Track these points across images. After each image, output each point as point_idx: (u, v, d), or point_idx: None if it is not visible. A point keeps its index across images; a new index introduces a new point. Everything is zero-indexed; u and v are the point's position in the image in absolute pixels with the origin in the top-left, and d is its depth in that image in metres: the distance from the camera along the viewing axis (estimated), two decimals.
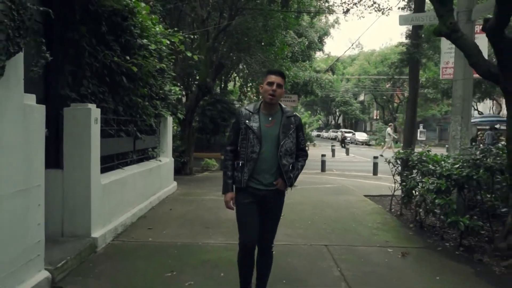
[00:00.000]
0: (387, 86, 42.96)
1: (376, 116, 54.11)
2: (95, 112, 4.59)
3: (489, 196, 4.90)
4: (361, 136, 43.75)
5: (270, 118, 3.06)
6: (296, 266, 4.16)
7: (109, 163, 5.44)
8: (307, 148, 3.23)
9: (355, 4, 11.89)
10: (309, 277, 3.88)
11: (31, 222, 3.28)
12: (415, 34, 9.78)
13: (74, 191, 4.44)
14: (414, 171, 6.27)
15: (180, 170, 11.42)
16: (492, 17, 3.83)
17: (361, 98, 55.18)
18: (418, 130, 38.32)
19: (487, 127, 29.86)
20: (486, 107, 36.64)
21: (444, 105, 37.38)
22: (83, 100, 4.75)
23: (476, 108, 33.90)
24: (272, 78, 3.03)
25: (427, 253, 4.80)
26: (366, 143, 40.63)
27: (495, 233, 4.82)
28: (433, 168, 5.30)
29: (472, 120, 28.17)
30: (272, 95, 2.99)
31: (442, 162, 5.35)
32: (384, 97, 45.44)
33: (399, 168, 6.96)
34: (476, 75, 5.45)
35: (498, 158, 4.74)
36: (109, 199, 5.02)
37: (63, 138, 4.43)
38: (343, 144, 32.32)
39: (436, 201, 4.81)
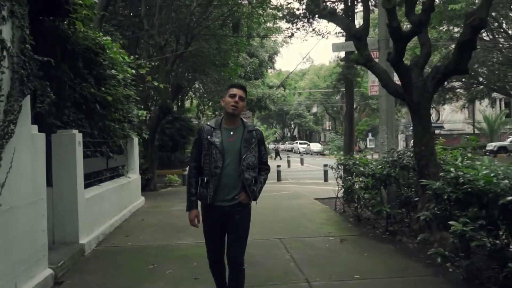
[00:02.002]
0: (337, 98, 45.29)
1: (329, 126, 56.51)
2: (78, 136, 5.38)
3: (406, 189, 6.12)
4: (315, 146, 45.78)
5: (231, 133, 3.07)
6: (255, 254, 5.10)
7: (87, 180, 6.18)
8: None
9: (298, 29, 13.26)
10: (266, 261, 4.84)
11: (38, 228, 4.05)
12: (347, 58, 11.19)
13: (63, 205, 5.18)
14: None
15: (145, 186, 12.07)
16: (392, 51, 5.06)
17: (314, 110, 57.52)
18: (368, 139, 40.70)
19: None
20: None
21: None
22: (66, 127, 5.52)
23: None
24: (234, 91, 3.06)
25: (360, 238, 5.92)
26: (320, 153, 42.56)
27: (411, 219, 6.03)
28: (362, 169, 6.48)
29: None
30: (234, 106, 3.02)
31: (370, 164, 6.54)
32: (335, 109, 47.74)
33: (341, 172, 8.13)
34: None
35: (410, 159, 5.97)
36: (92, 211, 5.78)
37: (52, 159, 5.18)
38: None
39: (365, 195, 5.96)
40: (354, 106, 38.33)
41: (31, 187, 3.90)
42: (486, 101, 30.91)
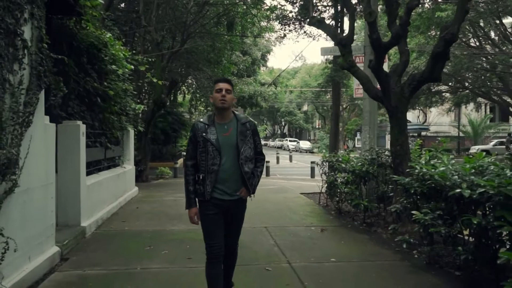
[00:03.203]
0: (327, 97, 45.95)
1: (319, 125, 57.20)
2: (82, 127, 5.81)
3: (383, 185, 6.66)
4: (305, 144, 46.42)
5: (225, 127, 3.09)
6: (242, 240, 5.45)
7: (88, 168, 6.61)
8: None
9: (290, 31, 13.76)
10: (253, 245, 5.33)
11: (48, 209, 4.49)
12: (335, 61, 11.72)
13: (66, 190, 5.61)
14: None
15: (137, 177, 12.46)
16: (373, 59, 5.58)
17: (305, 108, 58.19)
18: (356, 138, 41.42)
19: (415, 134, 33.24)
20: (415, 116, 40.46)
21: (379, 115, 40.88)
22: (70, 118, 5.95)
23: None
24: (220, 85, 3.07)
25: (339, 229, 6.45)
26: (309, 151, 43.17)
27: (386, 212, 6.58)
28: (344, 166, 7.00)
29: None
30: (223, 100, 3.03)
31: (351, 161, 7.06)
32: (325, 108, 48.38)
33: (325, 168, 8.65)
34: None
35: (388, 157, 6.51)
36: (92, 197, 6.21)
37: (57, 148, 5.60)
38: None
39: (345, 190, 6.49)
40: (344, 106, 39.25)
41: (43, 172, 4.34)
42: (471, 105, 31.78)
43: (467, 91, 26.38)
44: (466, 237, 3.94)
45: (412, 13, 16.90)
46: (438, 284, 3.98)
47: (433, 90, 25.52)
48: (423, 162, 4.57)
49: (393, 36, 5.33)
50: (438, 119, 39.38)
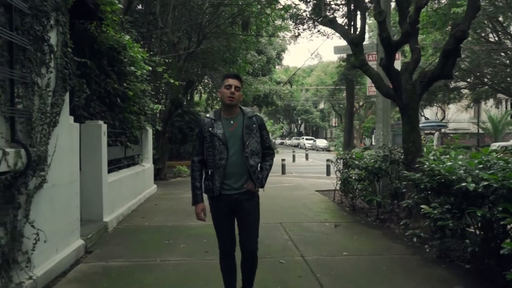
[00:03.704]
0: (343, 95, 45.73)
1: (335, 123, 56.96)
2: (104, 127, 6.07)
3: (396, 181, 6.74)
4: (321, 142, 46.40)
5: (232, 122, 3.08)
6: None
7: (109, 166, 6.88)
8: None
9: (304, 29, 13.89)
10: (267, 240, 5.48)
11: (73, 204, 4.76)
12: (348, 60, 11.79)
13: (89, 187, 5.89)
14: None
15: (156, 176, 12.78)
16: (383, 57, 5.68)
17: (321, 106, 58.00)
18: (373, 136, 41.18)
19: (434, 131, 32.89)
20: (433, 113, 39.97)
21: (396, 113, 40.53)
22: (92, 118, 6.22)
23: (423, 114, 37.10)
24: (230, 81, 3.04)
25: (353, 225, 6.57)
26: (326, 149, 43.13)
27: (400, 208, 6.66)
28: (357, 163, 7.11)
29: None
30: (231, 97, 3.02)
31: (364, 158, 7.17)
32: (341, 106, 48.17)
33: (340, 166, 8.77)
34: None
35: (400, 154, 6.59)
36: (113, 194, 6.48)
37: (80, 146, 5.87)
38: None
39: (358, 186, 6.60)
40: (361, 104, 39.02)
41: (69, 169, 4.60)
42: (491, 102, 31.24)
43: (486, 87, 25.98)
44: (473, 230, 4.03)
45: (429, 9, 16.83)
46: (447, 277, 4.09)
47: (451, 86, 25.22)
48: (432, 158, 4.65)
49: (403, 34, 5.42)
50: (457, 115, 38.79)
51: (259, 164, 3.14)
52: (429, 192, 4.58)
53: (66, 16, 4.40)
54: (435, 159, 4.51)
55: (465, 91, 27.68)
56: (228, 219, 3.11)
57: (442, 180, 4.28)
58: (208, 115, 3.18)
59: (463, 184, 3.48)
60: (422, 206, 4.22)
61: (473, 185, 3.38)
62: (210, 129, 3.04)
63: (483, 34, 21.22)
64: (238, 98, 3.07)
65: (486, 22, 19.66)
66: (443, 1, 18.01)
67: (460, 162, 4.01)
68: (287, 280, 4.03)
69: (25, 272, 3.53)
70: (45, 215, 3.91)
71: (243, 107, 3.21)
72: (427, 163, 4.43)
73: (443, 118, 38.41)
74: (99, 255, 4.83)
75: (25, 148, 3.36)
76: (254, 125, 3.10)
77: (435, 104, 32.15)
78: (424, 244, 5.12)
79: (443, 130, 34.44)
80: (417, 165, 4.81)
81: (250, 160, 3.04)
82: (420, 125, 23.97)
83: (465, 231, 3.96)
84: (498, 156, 3.84)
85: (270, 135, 3.48)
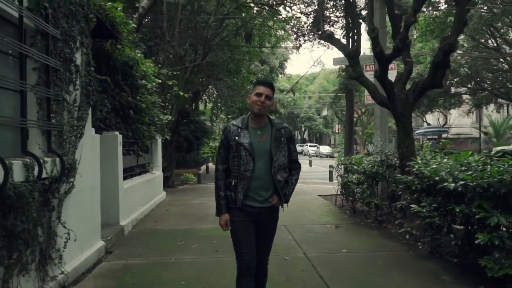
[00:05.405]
0: (344, 103, 46.19)
1: (338, 130, 57.38)
2: (119, 137, 6.56)
3: (393, 185, 7.17)
4: (325, 149, 46.86)
5: (259, 132, 2.94)
6: None
7: (124, 174, 7.35)
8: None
9: (305, 40, 14.44)
10: None
11: (95, 209, 5.23)
12: (347, 70, 12.29)
13: (107, 193, 6.33)
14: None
15: (164, 183, 13.26)
16: (377, 69, 6.15)
17: (324, 113, 58.48)
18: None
19: (435, 137, 33.26)
20: (435, 118, 40.33)
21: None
22: (108, 129, 6.70)
23: (424, 120, 37.50)
24: (261, 89, 2.89)
25: (353, 226, 6.99)
26: (330, 156, 43.52)
27: (396, 209, 7.08)
28: (356, 168, 7.55)
29: (419, 131, 31.16)
30: (261, 106, 2.87)
31: (363, 163, 7.60)
32: (344, 112, 48.56)
33: (341, 171, 9.20)
34: None
35: (396, 159, 7.02)
36: (128, 200, 6.95)
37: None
38: None
39: (357, 189, 7.03)
40: (363, 110, 39.46)
41: (91, 176, 5.07)
42: (492, 106, 31.59)
43: (486, 92, 26.37)
44: (460, 227, 4.46)
45: (427, 18, 17.30)
46: (437, 269, 4.50)
47: (452, 92, 25.65)
48: (419, 161, 5.09)
49: (394, 49, 5.89)
50: (459, 121, 39.14)
51: (285, 180, 2.99)
52: (421, 193, 5.00)
53: (89, 38, 4.90)
54: (425, 163, 4.94)
55: (466, 96, 28.10)
56: (250, 232, 2.94)
57: (431, 182, 4.71)
58: (234, 122, 3.01)
59: (445, 184, 3.92)
60: (412, 205, 4.65)
61: (453, 184, 3.81)
62: (237, 137, 2.88)
63: (482, 40, 21.68)
64: (267, 108, 2.92)
65: (484, 28, 20.13)
66: (442, 9, 18.51)
67: (444, 165, 4.43)
68: (290, 273, 4.46)
69: (58, 267, 3.99)
70: (72, 217, 4.37)
71: (272, 118, 3.06)
72: (416, 166, 4.87)
73: (445, 124, 38.75)
74: (119, 255, 5.28)
75: (60, 157, 3.83)
76: (282, 138, 2.97)
77: (437, 110, 32.58)
78: (417, 242, 5.54)
79: (444, 135, 34.80)
80: (407, 169, 5.24)
81: (278, 175, 2.91)
82: (421, 130, 24.42)
83: (452, 228, 4.38)
84: (477, 158, 4.27)
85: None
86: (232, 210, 2.92)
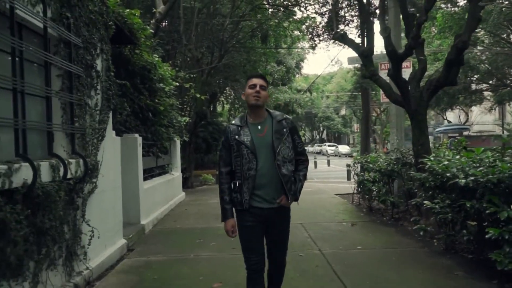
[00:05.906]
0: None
1: (357, 129, 56.94)
2: (139, 139, 6.79)
3: (409, 182, 7.19)
4: (343, 148, 46.66)
5: (259, 127, 2.84)
6: None
7: (144, 175, 7.58)
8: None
9: (321, 40, 14.51)
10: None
11: (117, 208, 5.45)
12: (362, 69, 12.28)
13: (128, 193, 6.57)
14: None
15: (183, 184, 13.51)
16: (391, 68, 6.20)
17: (343, 112, 58.14)
18: None
19: (456, 134, 32.75)
20: (456, 116, 39.65)
21: None
22: (128, 132, 6.94)
23: (445, 117, 36.90)
24: (254, 81, 2.82)
25: (369, 223, 7.04)
26: (348, 155, 43.25)
27: (412, 206, 7.11)
28: (372, 166, 7.59)
29: (439, 129, 30.67)
30: (257, 96, 2.78)
31: (379, 161, 7.64)
32: (362, 111, 48.23)
33: (357, 170, 9.24)
34: None
35: (411, 157, 7.05)
36: (148, 200, 7.17)
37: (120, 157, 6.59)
38: None
39: (373, 187, 7.08)
40: (382, 109, 39.10)
41: (113, 177, 5.29)
42: None
43: (509, 88, 25.83)
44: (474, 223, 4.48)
45: (445, 14, 17.11)
46: (450, 265, 4.54)
47: (472, 89, 25.23)
48: (431, 158, 5.12)
49: (407, 48, 5.93)
50: (481, 118, 38.38)
51: (292, 175, 2.87)
52: (435, 190, 5.04)
53: (108, 45, 5.12)
54: (437, 160, 4.98)
55: (487, 93, 27.57)
56: (258, 235, 2.85)
57: (444, 178, 4.75)
58: (233, 122, 2.94)
59: (456, 180, 3.97)
60: (425, 202, 4.70)
61: (464, 180, 3.86)
62: (237, 136, 2.80)
63: (504, 36, 21.28)
64: (264, 98, 2.82)
65: (505, 23, 19.76)
66: (461, 4, 18.26)
67: (456, 162, 4.47)
68: (305, 269, 4.58)
69: (83, 263, 4.21)
70: (96, 216, 4.58)
71: (271, 110, 2.95)
72: (428, 163, 4.92)
73: (466, 121, 38.06)
74: (140, 252, 5.49)
75: (83, 159, 4.05)
76: (284, 129, 2.84)
77: (457, 107, 32.04)
78: (432, 239, 5.57)
79: (466, 133, 34.17)
80: (420, 166, 5.28)
81: (283, 169, 2.78)
82: (442, 128, 24.11)
83: (465, 224, 4.41)
84: (490, 155, 4.29)
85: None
86: (240, 214, 2.84)
